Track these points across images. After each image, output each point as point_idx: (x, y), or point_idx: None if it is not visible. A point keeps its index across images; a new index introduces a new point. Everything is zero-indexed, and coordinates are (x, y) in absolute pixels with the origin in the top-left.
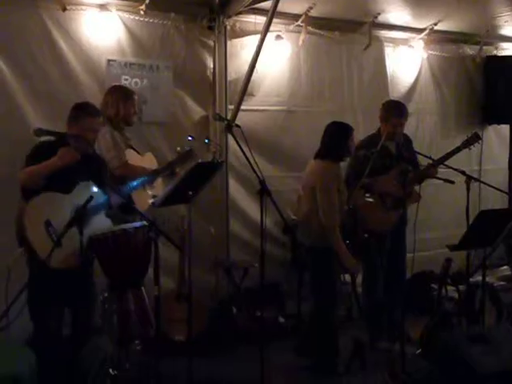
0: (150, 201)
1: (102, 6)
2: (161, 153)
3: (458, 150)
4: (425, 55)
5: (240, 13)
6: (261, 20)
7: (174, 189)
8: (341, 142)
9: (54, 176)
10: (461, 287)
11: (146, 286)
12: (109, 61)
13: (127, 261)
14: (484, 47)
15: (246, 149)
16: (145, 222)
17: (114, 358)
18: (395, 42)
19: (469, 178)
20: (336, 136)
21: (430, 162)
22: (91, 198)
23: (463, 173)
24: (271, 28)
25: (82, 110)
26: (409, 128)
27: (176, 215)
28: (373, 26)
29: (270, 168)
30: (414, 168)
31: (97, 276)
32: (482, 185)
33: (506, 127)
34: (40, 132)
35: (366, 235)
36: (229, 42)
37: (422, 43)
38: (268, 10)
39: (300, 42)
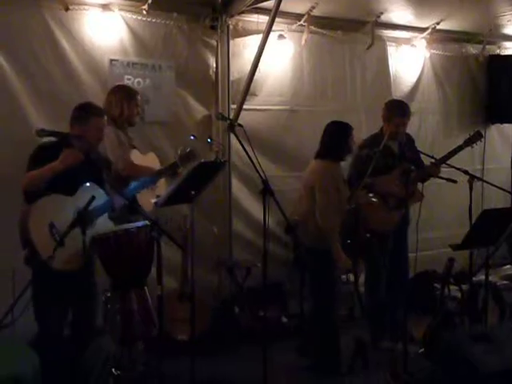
0: (153, 200)
1: (105, 6)
2: (163, 152)
3: (460, 148)
4: (427, 54)
5: (242, 12)
6: (263, 19)
7: (176, 188)
8: (341, 142)
9: (57, 178)
10: (464, 287)
11: (149, 285)
12: (111, 60)
13: (130, 260)
14: (487, 46)
15: (248, 148)
16: (147, 222)
17: (117, 357)
18: (398, 41)
19: (472, 178)
20: (336, 135)
21: (433, 161)
22: (93, 197)
23: (466, 172)
24: (274, 27)
25: (85, 110)
26: (411, 127)
27: (178, 215)
28: (375, 26)
29: (273, 167)
30: (418, 167)
31: (98, 275)
32: (484, 184)
33: (508, 126)
34: (42, 132)
35: (368, 235)
36: (231, 42)
37: (424, 42)
38: (270, 10)
39: (303, 42)
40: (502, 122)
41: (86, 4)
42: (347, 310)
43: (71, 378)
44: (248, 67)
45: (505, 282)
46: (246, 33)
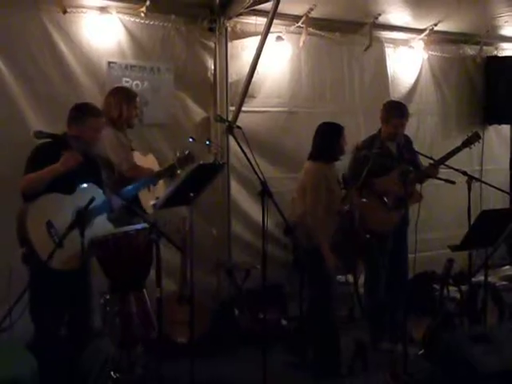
0: (152, 202)
1: (103, 9)
2: (162, 154)
3: (458, 149)
4: (425, 56)
5: (241, 14)
6: (261, 21)
7: (175, 190)
8: (332, 142)
9: (55, 178)
10: (463, 287)
11: (148, 288)
12: (109, 63)
13: (129, 263)
14: (484, 47)
15: (247, 150)
16: (146, 224)
17: (116, 360)
18: (396, 42)
19: (470, 179)
20: (327, 136)
21: (431, 162)
22: (92, 199)
23: (464, 173)
24: (272, 29)
25: (82, 110)
26: (410, 128)
27: (177, 217)
28: (373, 27)
29: (272, 169)
30: (416, 168)
31: (96, 277)
32: (483, 185)
33: (506, 127)
34: (40, 135)
35: (367, 236)
36: (229, 44)
37: (422, 44)
38: (268, 12)
39: (301, 43)
40: (499, 123)
41: (83, 7)
42: (347, 311)
43: (69, 380)
44: (246, 69)
45: (504, 282)
46: (244, 35)
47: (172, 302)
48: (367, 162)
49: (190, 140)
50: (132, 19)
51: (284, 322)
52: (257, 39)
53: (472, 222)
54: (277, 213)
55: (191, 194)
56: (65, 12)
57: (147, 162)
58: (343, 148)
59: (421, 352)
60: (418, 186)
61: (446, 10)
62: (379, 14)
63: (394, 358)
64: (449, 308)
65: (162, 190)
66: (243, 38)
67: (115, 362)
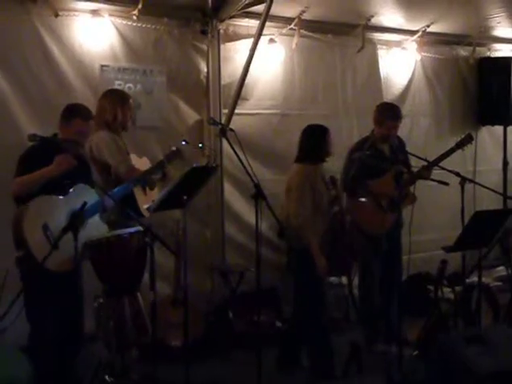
0: (145, 206)
1: (95, 12)
2: (155, 157)
3: (451, 151)
4: (418, 57)
5: (233, 17)
6: (254, 24)
7: (168, 193)
8: (318, 144)
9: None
10: (457, 288)
11: (142, 291)
12: (102, 66)
13: (122, 266)
14: (477, 48)
15: (240, 153)
16: (140, 228)
17: (110, 364)
18: (388, 44)
19: (463, 180)
20: (313, 138)
21: (424, 163)
22: (85, 203)
23: (457, 174)
24: (264, 32)
25: (70, 110)
26: (403, 130)
27: (171, 220)
28: (366, 29)
29: (265, 171)
30: (408, 170)
31: (90, 281)
32: (476, 186)
33: (499, 128)
34: (34, 138)
35: (359, 237)
36: (222, 46)
37: (415, 45)
38: (261, 14)
39: (293, 46)
40: (492, 124)
41: (75, 10)
42: (342, 313)
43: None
44: (239, 72)
45: (498, 283)
46: (237, 37)
47: (166, 306)
48: (361, 164)
49: (183, 143)
50: (124, 22)
51: (278, 325)
52: (249, 42)
53: (465, 223)
54: (270, 215)
55: (185, 197)
56: (57, 15)
57: (142, 164)
58: (329, 149)
59: (415, 353)
60: (411, 188)
61: (438, 12)
62: (372, 16)
63: (388, 360)
64: (443, 309)
65: (155, 193)
66: (236, 40)
67: (109, 366)
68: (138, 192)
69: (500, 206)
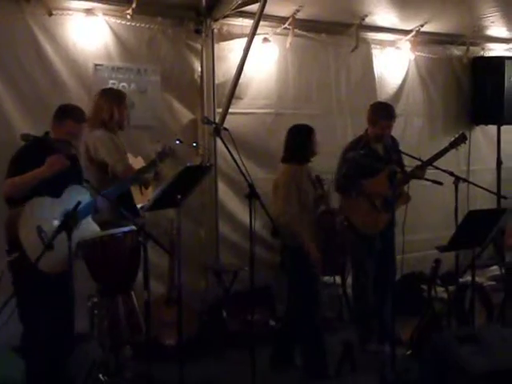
0: (139, 205)
1: (89, 11)
2: (149, 156)
3: (445, 150)
4: (412, 56)
5: (227, 16)
6: (248, 23)
7: (162, 193)
8: (303, 144)
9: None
10: (450, 288)
11: (136, 290)
12: (96, 65)
13: (116, 265)
14: (471, 48)
15: (234, 152)
16: (134, 227)
17: (105, 363)
18: (382, 43)
19: (457, 179)
20: (299, 138)
21: (418, 163)
22: (79, 203)
23: (451, 174)
24: (258, 31)
25: (63, 111)
26: (396, 129)
27: (165, 219)
28: (360, 28)
29: (259, 171)
30: (402, 169)
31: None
32: (470, 185)
33: (493, 128)
34: (27, 137)
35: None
36: (216, 46)
37: (409, 45)
38: (255, 13)
39: (287, 45)
40: (486, 124)
41: (69, 9)
42: (335, 313)
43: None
44: (233, 71)
45: (491, 282)
46: (231, 36)
47: (160, 305)
48: (355, 163)
49: (177, 142)
50: (118, 21)
51: (272, 324)
52: (243, 41)
53: (459, 223)
54: (264, 214)
55: (179, 197)
56: (50, 14)
57: (137, 164)
58: (314, 149)
59: (409, 352)
60: (405, 187)
61: (432, 11)
62: (366, 15)
63: (382, 359)
64: (437, 308)
65: (150, 193)
66: (230, 39)
67: (103, 365)
68: (135, 191)
69: (494, 205)
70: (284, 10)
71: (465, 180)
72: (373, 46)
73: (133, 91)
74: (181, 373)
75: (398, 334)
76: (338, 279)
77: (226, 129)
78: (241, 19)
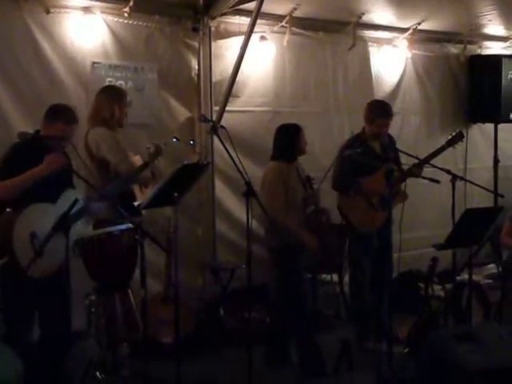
0: (136, 203)
1: (86, 9)
2: (145, 154)
3: (442, 149)
4: (409, 55)
5: (224, 14)
6: (245, 21)
7: (159, 191)
8: (291, 142)
9: (35, 184)
10: (447, 286)
11: (133, 288)
12: (93, 63)
13: (113, 263)
14: (468, 46)
15: (231, 150)
16: (131, 225)
17: (102, 361)
18: (379, 41)
19: (454, 177)
20: (287, 136)
21: (415, 161)
22: (75, 201)
23: (448, 172)
24: (255, 29)
25: (54, 112)
26: (393, 128)
27: (162, 217)
28: (357, 26)
29: (256, 169)
30: (399, 167)
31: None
32: (467, 183)
33: (490, 126)
34: (24, 136)
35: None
36: (213, 44)
37: (406, 43)
38: (252, 11)
39: (284, 43)
40: (483, 122)
41: (67, 7)
42: (332, 311)
43: (54, 382)
44: (230, 69)
45: (488, 280)
46: (228, 34)
47: (157, 303)
48: (352, 161)
49: (174, 140)
50: (116, 19)
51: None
52: (240, 39)
53: (456, 221)
54: (261, 212)
55: (176, 195)
56: (48, 12)
57: (136, 162)
58: (303, 147)
59: (406, 350)
60: (402, 186)
61: (429, 9)
62: (363, 14)
63: (379, 357)
64: (434, 307)
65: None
66: (227, 37)
67: (101, 363)
68: (136, 190)
69: (491, 203)
70: (281, 8)
71: (462, 178)
72: (370, 44)
73: (130, 89)
74: (178, 371)
75: (395, 332)
76: (335, 277)
77: (223, 127)
78: (238, 17)
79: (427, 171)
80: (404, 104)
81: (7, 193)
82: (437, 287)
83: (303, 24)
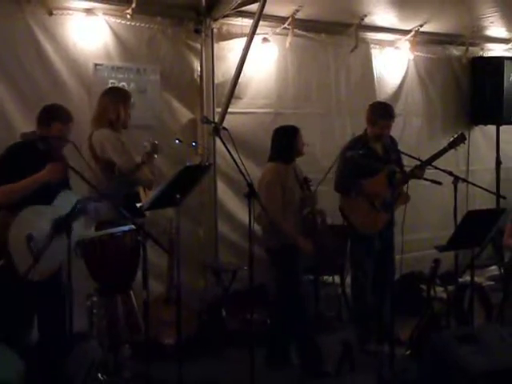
0: (139, 204)
1: (89, 11)
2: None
3: (444, 150)
4: (411, 56)
5: (227, 16)
6: (247, 23)
7: (161, 192)
8: (289, 144)
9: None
10: (450, 288)
11: (135, 289)
12: (96, 65)
13: (115, 265)
14: (470, 48)
15: (233, 151)
16: (133, 226)
17: (104, 362)
18: (382, 43)
19: (456, 179)
20: (284, 138)
21: (417, 162)
22: (77, 204)
23: (451, 173)
24: (258, 31)
25: (49, 113)
26: (395, 129)
27: (164, 218)
28: (359, 28)
29: (258, 170)
30: (400, 169)
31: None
32: (469, 185)
33: (492, 128)
34: (27, 136)
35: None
36: (216, 45)
37: (408, 45)
38: (255, 13)
39: (287, 45)
40: (485, 124)
41: (69, 9)
42: (334, 312)
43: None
44: (232, 71)
45: (490, 282)
46: (231, 36)
47: (159, 304)
48: (354, 163)
49: (176, 142)
50: (118, 21)
51: None
52: (243, 41)
53: (458, 223)
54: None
55: (178, 196)
56: (51, 14)
57: None
58: (300, 148)
59: (408, 352)
60: (404, 187)
61: (431, 11)
62: (365, 15)
63: (381, 359)
64: (436, 308)
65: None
66: (229, 39)
67: (102, 365)
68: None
69: (493, 205)
70: (283, 10)
71: (464, 180)
72: (372, 45)
73: (132, 91)
74: (180, 372)
75: (396, 333)
76: (337, 279)
77: (225, 128)
78: (240, 19)
79: (429, 173)
80: (406, 106)
81: (5, 198)
82: (439, 289)
83: (305, 26)
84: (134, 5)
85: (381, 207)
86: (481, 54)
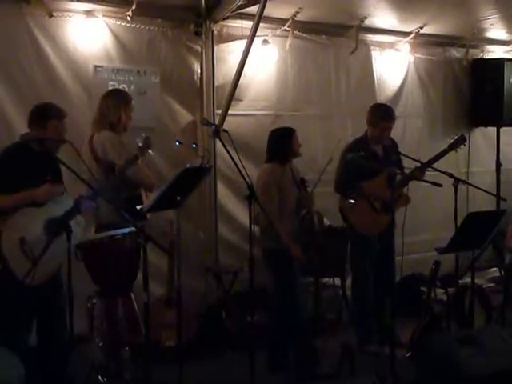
0: (139, 207)
1: (89, 13)
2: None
3: (444, 152)
4: (411, 58)
5: (227, 18)
6: (248, 25)
7: (162, 194)
8: (285, 145)
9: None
10: (450, 290)
11: (135, 292)
12: (96, 67)
13: (115, 267)
14: (470, 50)
15: (233, 153)
16: (133, 228)
17: (104, 365)
18: (382, 45)
19: (456, 181)
20: (280, 139)
21: (418, 164)
22: (74, 207)
23: (451, 175)
24: (258, 33)
25: (43, 112)
26: (396, 131)
27: (164, 220)
28: (359, 30)
29: (258, 172)
30: (401, 171)
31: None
32: (469, 187)
33: (492, 129)
34: (27, 138)
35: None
36: (216, 47)
37: (408, 46)
38: (255, 15)
39: (287, 47)
40: (485, 126)
41: (69, 11)
42: (335, 314)
43: None
44: (233, 72)
45: (491, 284)
46: (231, 38)
47: (159, 306)
48: (355, 165)
49: (177, 143)
50: (118, 23)
51: None
52: (243, 43)
53: (459, 225)
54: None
55: (178, 198)
56: (51, 16)
57: (140, 166)
58: (295, 150)
59: (408, 355)
60: (405, 189)
61: (431, 13)
62: (365, 17)
63: (381, 361)
64: (436, 310)
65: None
66: (229, 41)
67: (103, 367)
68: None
69: (493, 207)
70: (283, 12)
71: (464, 182)
72: (372, 47)
73: (132, 93)
74: (180, 374)
75: (397, 335)
76: (337, 281)
77: (225, 130)
78: (240, 21)
79: (429, 175)
80: (406, 108)
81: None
82: (439, 291)
83: (306, 28)
84: (134, 7)
85: (381, 209)
86: (481, 55)
